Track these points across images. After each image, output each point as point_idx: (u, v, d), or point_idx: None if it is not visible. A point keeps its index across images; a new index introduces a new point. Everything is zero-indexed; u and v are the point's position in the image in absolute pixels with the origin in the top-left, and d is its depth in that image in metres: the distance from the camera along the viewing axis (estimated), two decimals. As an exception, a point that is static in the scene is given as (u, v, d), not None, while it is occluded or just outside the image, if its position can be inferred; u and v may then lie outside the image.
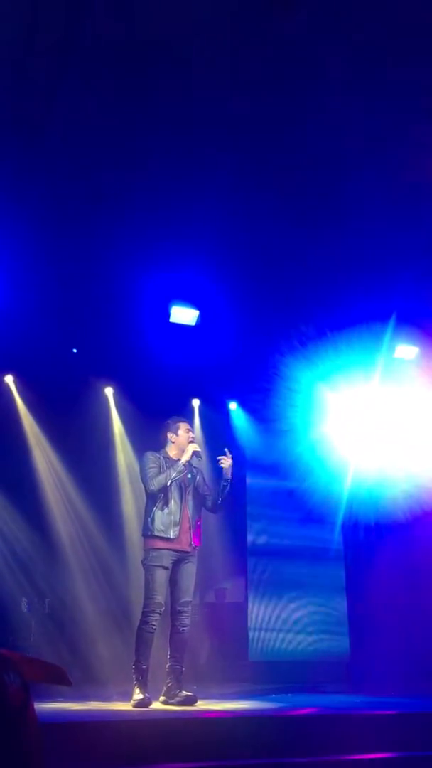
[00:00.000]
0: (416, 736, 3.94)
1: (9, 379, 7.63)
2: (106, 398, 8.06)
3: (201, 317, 7.06)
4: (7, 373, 7.58)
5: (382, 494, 8.26)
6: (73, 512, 7.60)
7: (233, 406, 8.72)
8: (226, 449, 5.13)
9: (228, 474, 5.07)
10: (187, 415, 8.36)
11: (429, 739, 3.93)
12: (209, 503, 5.16)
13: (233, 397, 8.68)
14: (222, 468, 5.07)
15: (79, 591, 7.33)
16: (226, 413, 8.73)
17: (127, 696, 4.68)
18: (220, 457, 5.09)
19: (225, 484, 5.08)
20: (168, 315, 7.00)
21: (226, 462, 5.06)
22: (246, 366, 7.84)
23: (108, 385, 8.01)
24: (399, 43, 4.45)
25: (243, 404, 8.67)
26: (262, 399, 8.13)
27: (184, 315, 7.03)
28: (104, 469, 7.82)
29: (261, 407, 8.32)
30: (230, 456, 5.11)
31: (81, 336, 7.07)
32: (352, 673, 8.04)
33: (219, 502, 5.14)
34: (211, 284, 6.72)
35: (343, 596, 8.49)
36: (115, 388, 8.04)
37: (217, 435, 8.53)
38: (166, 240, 6.11)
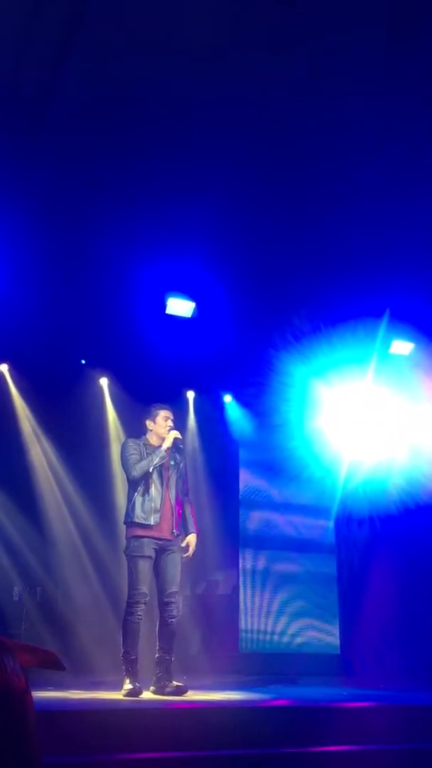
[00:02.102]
0: (404, 729, 3.97)
1: (4, 368, 7.62)
2: (101, 388, 8.05)
3: (197, 309, 7.06)
4: (2, 362, 7.57)
5: (375, 489, 8.30)
6: (65, 501, 7.61)
7: (228, 398, 8.73)
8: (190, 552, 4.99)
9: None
10: (181, 407, 8.37)
11: (417, 732, 3.96)
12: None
13: (228, 390, 8.69)
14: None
15: (70, 580, 7.34)
16: (221, 406, 8.74)
17: (118, 685, 4.70)
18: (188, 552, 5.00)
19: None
20: (164, 306, 6.99)
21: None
22: (241, 359, 7.85)
23: (103, 375, 8.01)
24: (400, 38, 4.44)
25: (237, 397, 8.68)
26: (256, 393, 8.14)
27: (180, 307, 7.03)
28: (98, 459, 7.83)
29: (255, 401, 8.33)
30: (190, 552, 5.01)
31: (76, 326, 7.06)
32: (343, 666, 8.09)
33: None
34: (208, 277, 6.72)
35: (335, 590, 8.53)
36: (110, 379, 8.04)
37: (211, 427, 8.55)
38: (164, 232, 6.10)
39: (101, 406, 8.04)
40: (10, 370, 7.64)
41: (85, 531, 7.54)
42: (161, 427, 5.07)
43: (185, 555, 4.98)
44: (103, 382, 8.05)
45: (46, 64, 4.53)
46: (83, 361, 7.73)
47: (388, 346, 7.64)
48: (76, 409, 7.72)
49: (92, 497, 7.60)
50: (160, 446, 4.97)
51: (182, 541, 4.97)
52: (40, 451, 7.67)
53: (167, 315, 7.04)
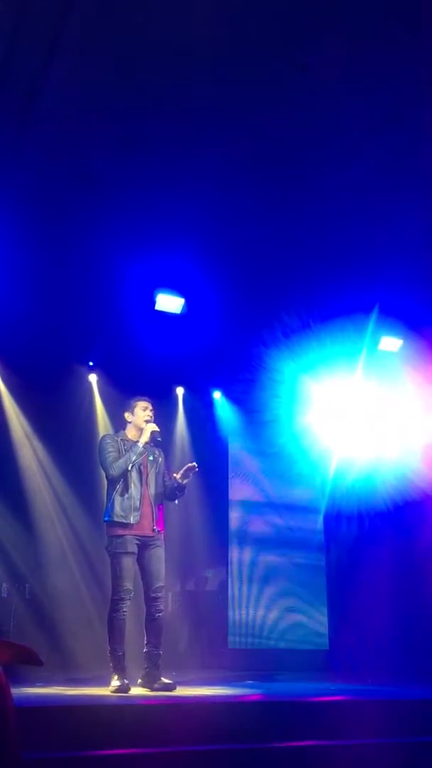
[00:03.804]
0: (391, 723, 3.99)
1: (-8, 365, 7.59)
2: (90, 385, 8.04)
3: (186, 306, 7.06)
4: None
5: (364, 485, 8.34)
6: (54, 498, 7.60)
7: (217, 395, 8.74)
8: (196, 465, 4.91)
9: (185, 483, 4.91)
10: (171, 403, 8.38)
11: (404, 726, 3.98)
12: (168, 492, 5.02)
13: (217, 387, 8.70)
14: (179, 478, 4.89)
15: (59, 576, 7.33)
16: (210, 402, 8.74)
17: (106, 681, 4.70)
18: (189, 468, 4.87)
19: (179, 494, 4.98)
20: (153, 303, 6.98)
21: (189, 475, 4.90)
22: (230, 356, 7.86)
23: (92, 371, 8.00)
24: (393, 37, 4.44)
25: (227, 393, 8.69)
26: (246, 389, 8.16)
27: (169, 303, 7.02)
28: (87, 456, 7.80)
29: (245, 397, 8.35)
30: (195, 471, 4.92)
31: (65, 323, 7.04)
32: (331, 661, 8.13)
33: (174, 501, 5.09)
34: (197, 273, 6.71)
35: (324, 586, 8.56)
36: (99, 375, 8.03)
37: (201, 423, 8.56)
38: (153, 228, 6.09)
39: (90, 402, 8.03)
40: (-2, 366, 7.62)
41: (74, 528, 7.53)
42: (139, 418, 4.99)
43: (192, 466, 4.85)
44: (92, 378, 8.04)
45: (35, 55, 4.50)
46: (90, 363, 7.79)
47: (377, 343, 7.66)
48: (65, 406, 7.71)
49: (81, 494, 7.59)
50: (138, 442, 4.91)
51: (162, 537, 4.90)
52: (29, 448, 7.65)
53: (157, 311, 7.03)
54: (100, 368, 7.99)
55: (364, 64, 4.63)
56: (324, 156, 5.41)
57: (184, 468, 4.93)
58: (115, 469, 4.81)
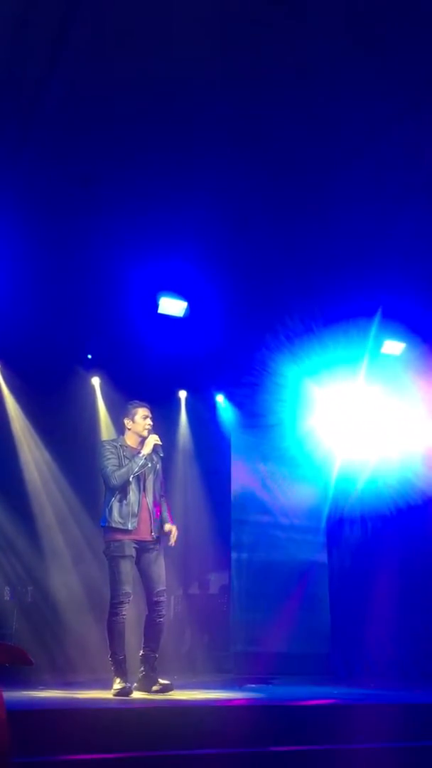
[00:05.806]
0: (394, 727, 3.98)
1: (-5, 368, 7.61)
2: (93, 388, 8.05)
3: (189, 309, 7.06)
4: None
5: (367, 488, 8.34)
6: (57, 501, 7.60)
7: (220, 398, 8.74)
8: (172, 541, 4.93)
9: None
10: (173, 407, 8.38)
11: (406, 730, 3.97)
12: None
13: (220, 390, 8.70)
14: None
15: (62, 579, 7.33)
16: (213, 406, 8.74)
17: (108, 684, 4.70)
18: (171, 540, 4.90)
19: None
20: (156, 306, 6.99)
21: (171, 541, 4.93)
22: (234, 359, 7.86)
23: (95, 374, 8.01)
24: (393, 37, 4.45)
25: (230, 397, 8.69)
26: (249, 393, 8.16)
27: (172, 306, 7.03)
28: (89, 460, 7.80)
29: (248, 401, 8.35)
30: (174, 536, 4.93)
31: (68, 325, 7.05)
32: (333, 665, 8.11)
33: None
34: (200, 276, 6.72)
35: (327, 589, 8.54)
36: (102, 378, 8.03)
37: (204, 427, 8.56)
38: (156, 231, 6.10)
39: (93, 405, 8.03)
40: (1, 369, 7.62)
41: (77, 532, 7.52)
42: (140, 426, 4.99)
43: (169, 542, 4.88)
44: (95, 381, 8.04)
45: (39, 60, 4.52)
46: (89, 356, 7.76)
47: (380, 346, 7.66)
48: (68, 409, 7.71)
49: (83, 497, 7.58)
50: (139, 451, 4.89)
51: (164, 538, 4.90)
52: (31, 450, 7.65)
53: (159, 314, 7.04)
54: (103, 371, 7.99)
55: (364, 67, 4.65)
56: (326, 159, 5.43)
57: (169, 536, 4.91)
58: (117, 479, 4.80)
